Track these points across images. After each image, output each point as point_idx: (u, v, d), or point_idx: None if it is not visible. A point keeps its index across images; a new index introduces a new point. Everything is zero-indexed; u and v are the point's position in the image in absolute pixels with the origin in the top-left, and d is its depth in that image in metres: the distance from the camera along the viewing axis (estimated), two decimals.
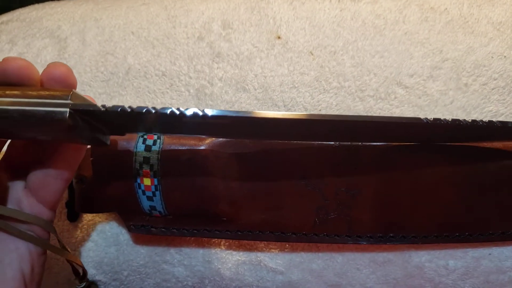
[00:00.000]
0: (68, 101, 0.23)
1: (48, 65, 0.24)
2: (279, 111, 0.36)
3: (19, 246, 0.27)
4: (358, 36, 0.37)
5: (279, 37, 0.37)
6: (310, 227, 0.32)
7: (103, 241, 0.36)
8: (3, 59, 0.24)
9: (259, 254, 0.35)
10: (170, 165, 0.31)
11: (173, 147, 0.31)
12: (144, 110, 0.23)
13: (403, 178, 0.31)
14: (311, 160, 0.31)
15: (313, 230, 0.32)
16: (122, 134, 0.27)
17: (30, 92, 0.23)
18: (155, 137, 0.31)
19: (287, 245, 0.35)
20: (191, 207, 0.32)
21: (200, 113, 0.23)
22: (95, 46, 0.39)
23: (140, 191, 0.31)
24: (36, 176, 0.27)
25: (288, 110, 0.36)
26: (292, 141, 0.31)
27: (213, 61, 0.37)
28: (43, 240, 0.28)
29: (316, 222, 0.32)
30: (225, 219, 0.32)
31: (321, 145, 0.31)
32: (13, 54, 0.39)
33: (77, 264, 0.31)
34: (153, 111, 0.23)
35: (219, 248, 0.35)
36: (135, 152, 0.30)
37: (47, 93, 0.23)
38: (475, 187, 0.31)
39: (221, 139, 0.31)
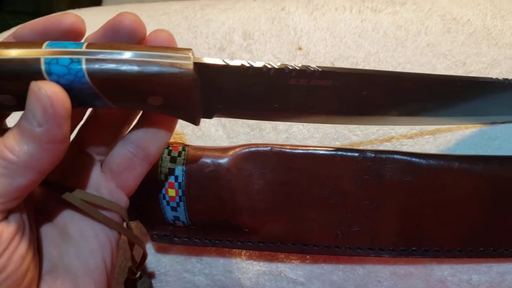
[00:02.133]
0: (191, 55, 0.21)
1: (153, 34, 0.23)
2: None
3: (99, 233, 0.26)
4: (380, 47, 0.37)
5: (300, 48, 0.38)
6: (332, 240, 0.32)
7: (126, 250, 0.36)
8: (119, 14, 0.22)
9: (279, 264, 0.35)
10: (194, 177, 0.31)
11: (197, 159, 0.31)
12: (262, 65, 0.23)
13: (427, 191, 0.31)
14: (334, 173, 0.31)
15: (335, 242, 0.32)
16: (211, 116, 0.26)
17: (148, 48, 0.21)
18: (180, 148, 0.31)
19: (308, 256, 0.35)
20: (214, 218, 0.32)
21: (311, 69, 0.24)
22: None
23: (164, 202, 0.31)
24: (122, 157, 0.26)
25: None
26: (318, 151, 0.31)
27: None
28: (123, 227, 0.27)
29: (338, 235, 0.32)
30: (247, 230, 0.32)
31: (344, 157, 0.31)
32: None
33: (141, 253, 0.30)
34: (269, 66, 0.23)
35: (240, 258, 0.35)
36: (161, 163, 0.31)
37: (167, 48, 0.21)
38: (499, 201, 0.31)
39: (244, 150, 0.32)
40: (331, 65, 0.36)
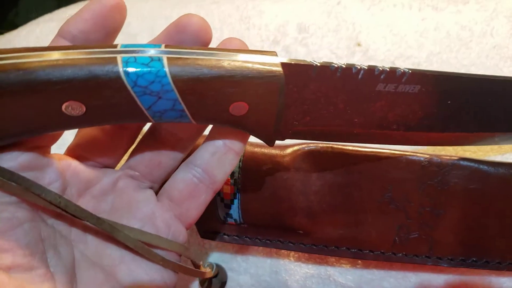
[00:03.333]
0: (277, 55, 0.20)
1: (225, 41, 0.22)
2: None
3: (153, 276, 0.23)
4: (443, 48, 0.35)
5: (359, 44, 0.36)
6: (389, 246, 0.31)
7: None
8: (184, 15, 0.21)
9: (329, 268, 0.34)
10: (250, 174, 0.30)
11: (254, 156, 0.30)
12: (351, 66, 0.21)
13: (493, 200, 0.30)
14: (398, 177, 0.30)
15: (392, 249, 0.31)
16: (285, 134, 0.23)
17: (231, 50, 0.20)
18: None
19: (359, 261, 0.34)
20: (267, 217, 0.31)
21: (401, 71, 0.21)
22: None
23: (218, 198, 0.30)
24: (185, 183, 0.23)
25: None
26: (382, 154, 0.29)
27: None
28: (182, 266, 0.24)
29: (396, 241, 0.31)
30: (301, 232, 0.31)
31: (409, 161, 0.30)
32: None
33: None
34: (358, 67, 0.21)
35: (288, 259, 0.34)
36: None
37: (252, 51, 0.20)
38: None
39: (303, 149, 0.30)
40: (392, 64, 0.35)
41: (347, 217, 0.31)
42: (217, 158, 0.23)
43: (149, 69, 0.18)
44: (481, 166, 0.30)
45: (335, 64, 0.21)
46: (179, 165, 0.25)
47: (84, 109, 0.19)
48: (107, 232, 0.21)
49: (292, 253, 0.34)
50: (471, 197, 0.30)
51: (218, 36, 0.38)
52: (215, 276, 0.30)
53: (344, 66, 0.21)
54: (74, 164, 0.22)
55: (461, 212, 0.30)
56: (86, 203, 0.22)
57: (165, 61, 0.18)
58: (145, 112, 0.19)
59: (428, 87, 0.23)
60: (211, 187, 0.24)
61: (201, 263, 0.27)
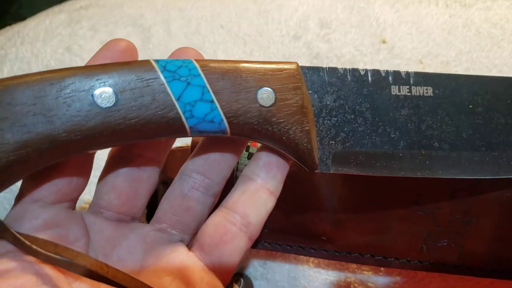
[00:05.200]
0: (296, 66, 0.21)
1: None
2: None
3: None
4: (473, 46, 0.34)
5: (384, 41, 0.34)
6: (415, 254, 0.30)
7: None
8: (110, 40, 0.20)
9: (349, 274, 0.33)
10: None
11: None
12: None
13: None
14: (428, 183, 0.28)
15: (419, 257, 0.30)
16: (325, 163, 0.22)
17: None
18: (259, 144, 0.29)
19: (382, 268, 0.32)
20: (290, 222, 0.29)
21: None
22: (181, 38, 0.37)
23: None
24: (215, 226, 0.21)
25: None
26: None
27: (311, 62, 0.35)
28: None
29: (423, 249, 0.29)
30: (324, 238, 0.30)
31: None
32: (95, 41, 0.37)
33: None
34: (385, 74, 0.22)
35: (307, 265, 0.33)
36: (238, 161, 0.28)
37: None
38: None
39: None
40: (420, 63, 0.33)
41: (373, 224, 0.29)
42: (248, 196, 0.22)
43: (182, 62, 0.19)
44: None
45: (341, 68, 0.22)
46: (210, 212, 0.23)
47: (114, 100, 0.18)
48: None
49: (312, 258, 0.33)
50: (504, 205, 0.28)
51: (236, 30, 0.37)
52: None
53: (350, 68, 0.21)
54: (99, 220, 0.21)
55: (493, 220, 0.29)
56: (113, 264, 0.20)
57: (194, 61, 0.20)
58: (176, 104, 0.19)
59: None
60: (245, 231, 0.22)
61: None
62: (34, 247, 0.17)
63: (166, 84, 0.19)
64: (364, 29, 0.35)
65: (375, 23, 0.35)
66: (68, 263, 0.18)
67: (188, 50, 0.21)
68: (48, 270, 0.18)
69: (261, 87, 0.20)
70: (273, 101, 0.20)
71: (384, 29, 0.35)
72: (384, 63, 0.34)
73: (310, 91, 0.21)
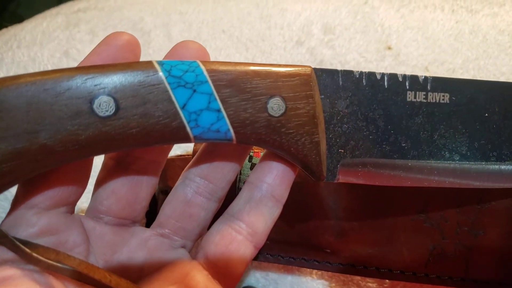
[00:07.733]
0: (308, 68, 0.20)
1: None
2: None
3: None
4: (480, 53, 0.33)
5: (389, 48, 0.34)
6: (421, 266, 0.29)
7: None
8: (110, 34, 0.20)
9: (353, 287, 0.32)
10: None
11: None
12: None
13: None
14: (435, 193, 0.28)
15: (425, 270, 0.29)
16: (336, 170, 0.21)
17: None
18: (262, 154, 0.28)
19: (387, 280, 0.32)
20: (293, 234, 0.29)
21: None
22: None
23: None
24: (220, 235, 0.21)
25: None
26: None
27: None
28: None
29: (429, 261, 0.29)
30: (328, 250, 0.29)
31: None
32: (94, 45, 0.36)
33: None
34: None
35: (310, 276, 0.32)
36: (240, 170, 0.27)
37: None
38: None
39: None
40: (426, 70, 0.33)
41: (378, 235, 0.29)
42: (253, 204, 0.21)
43: (188, 65, 0.18)
44: None
45: (357, 71, 0.21)
46: (214, 218, 0.22)
47: (114, 108, 0.17)
48: None
49: (315, 270, 0.32)
50: None
51: (237, 35, 0.36)
52: None
53: (367, 72, 0.20)
54: (99, 225, 0.20)
55: (501, 233, 0.28)
56: (114, 270, 0.20)
57: (200, 63, 0.19)
58: (180, 112, 0.18)
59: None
60: (250, 239, 0.21)
61: None
62: (35, 255, 0.16)
63: (170, 92, 0.18)
64: (369, 35, 0.34)
65: (380, 29, 0.35)
66: (70, 272, 0.17)
67: (190, 44, 0.20)
68: (47, 278, 0.17)
69: (271, 96, 0.19)
70: (283, 110, 0.19)
71: (389, 35, 0.34)
72: (390, 70, 0.33)
73: (322, 96, 0.20)
